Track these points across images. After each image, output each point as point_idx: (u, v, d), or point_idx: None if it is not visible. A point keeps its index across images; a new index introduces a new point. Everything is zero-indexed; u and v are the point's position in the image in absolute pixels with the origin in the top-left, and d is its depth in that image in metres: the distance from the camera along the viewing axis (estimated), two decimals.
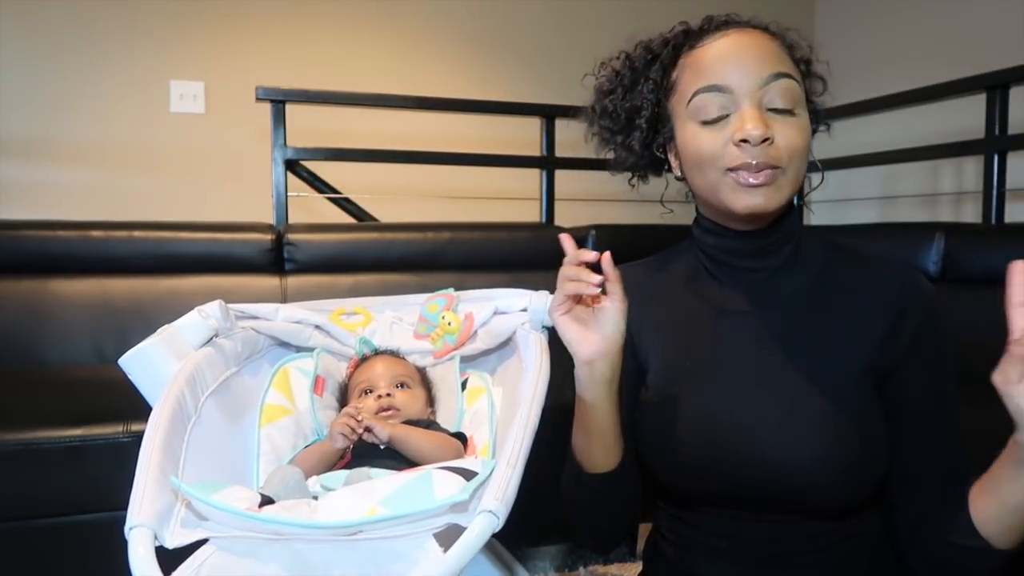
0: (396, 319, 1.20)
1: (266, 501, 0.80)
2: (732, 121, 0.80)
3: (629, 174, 0.97)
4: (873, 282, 0.85)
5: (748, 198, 0.80)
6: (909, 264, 0.88)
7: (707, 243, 0.90)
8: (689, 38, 0.87)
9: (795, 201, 0.85)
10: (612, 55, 0.95)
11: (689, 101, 0.82)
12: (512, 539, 0.99)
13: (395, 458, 0.96)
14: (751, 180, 0.79)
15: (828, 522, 0.82)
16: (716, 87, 0.80)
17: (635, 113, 0.90)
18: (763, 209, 0.80)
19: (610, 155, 0.96)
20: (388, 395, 1.06)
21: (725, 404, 0.84)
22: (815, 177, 0.94)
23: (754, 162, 0.78)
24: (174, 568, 0.67)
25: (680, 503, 0.90)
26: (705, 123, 0.81)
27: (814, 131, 0.88)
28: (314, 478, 0.92)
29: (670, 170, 0.93)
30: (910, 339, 0.83)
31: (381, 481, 0.77)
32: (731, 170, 0.80)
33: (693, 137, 0.82)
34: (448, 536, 0.68)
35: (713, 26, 0.86)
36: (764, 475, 0.80)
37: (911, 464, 0.83)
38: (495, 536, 0.67)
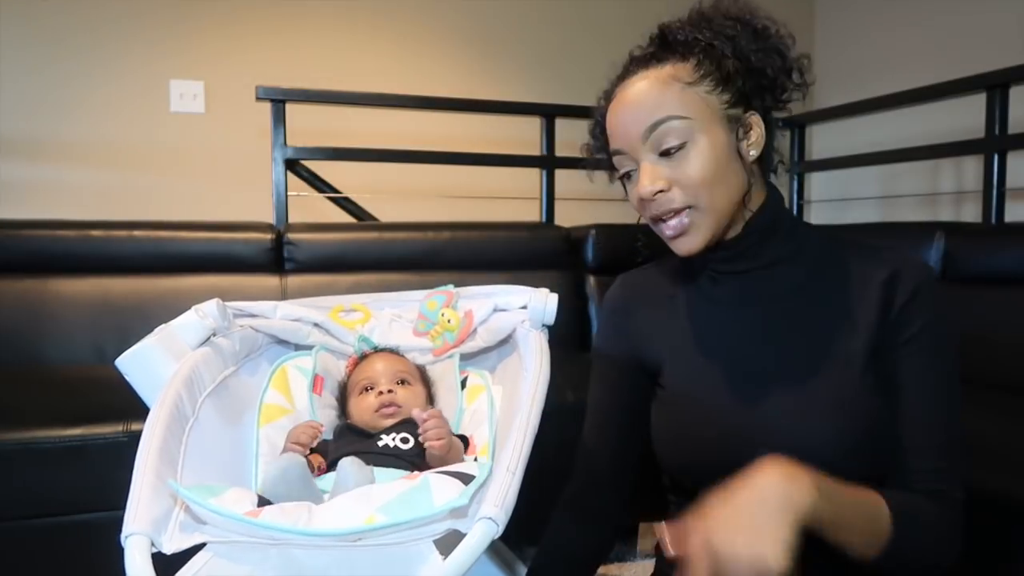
0: (395, 316, 1.20)
1: (264, 502, 0.79)
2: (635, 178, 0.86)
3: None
4: (867, 268, 0.87)
5: (677, 246, 0.87)
6: (910, 252, 0.89)
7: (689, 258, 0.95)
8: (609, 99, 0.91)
9: (793, 200, 0.86)
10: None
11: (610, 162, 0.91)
12: (514, 538, 0.99)
13: (400, 456, 0.96)
14: (667, 232, 0.86)
15: None
16: (617, 151, 0.88)
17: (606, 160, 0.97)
18: (693, 251, 0.86)
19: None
20: (389, 391, 1.05)
21: (736, 397, 0.87)
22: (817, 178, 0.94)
23: (658, 213, 0.85)
24: (171, 573, 0.67)
25: (693, 497, 0.90)
26: (623, 180, 0.90)
27: (775, 123, 0.89)
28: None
29: None
30: (896, 316, 0.84)
31: (379, 488, 0.76)
32: (652, 221, 0.88)
33: (627, 191, 0.90)
34: (448, 543, 0.68)
35: (617, 82, 0.90)
36: None
37: (898, 446, 0.83)
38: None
